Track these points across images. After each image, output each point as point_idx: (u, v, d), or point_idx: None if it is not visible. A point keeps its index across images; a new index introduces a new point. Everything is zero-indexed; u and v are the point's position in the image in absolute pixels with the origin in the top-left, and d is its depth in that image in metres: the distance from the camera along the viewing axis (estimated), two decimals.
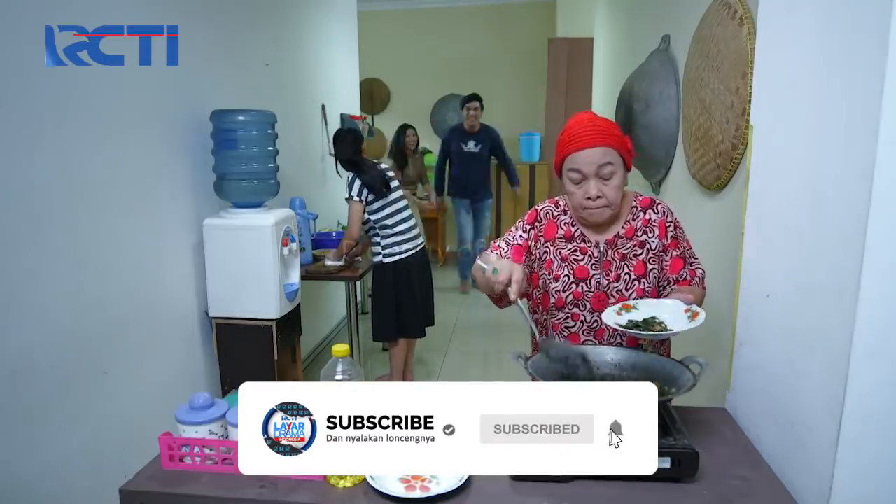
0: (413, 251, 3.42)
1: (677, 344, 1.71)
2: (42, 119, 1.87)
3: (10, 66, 1.76)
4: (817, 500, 1.04)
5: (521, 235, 1.59)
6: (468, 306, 5.25)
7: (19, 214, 1.79)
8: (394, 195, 3.35)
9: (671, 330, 1.33)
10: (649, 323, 1.36)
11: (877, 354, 0.95)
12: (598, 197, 1.46)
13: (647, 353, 1.38)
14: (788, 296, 1.18)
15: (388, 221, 3.35)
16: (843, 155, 1.00)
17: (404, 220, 3.39)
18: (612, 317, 1.40)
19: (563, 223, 1.57)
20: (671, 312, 1.38)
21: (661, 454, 1.11)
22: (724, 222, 1.99)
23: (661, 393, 1.22)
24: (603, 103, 4.51)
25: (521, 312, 1.36)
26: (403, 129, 5.59)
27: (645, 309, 1.42)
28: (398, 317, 3.45)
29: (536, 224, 1.59)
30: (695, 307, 1.36)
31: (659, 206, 1.56)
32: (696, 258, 1.59)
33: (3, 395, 1.74)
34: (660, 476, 1.12)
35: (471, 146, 5.52)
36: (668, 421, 1.21)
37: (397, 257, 3.37)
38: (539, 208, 1.61)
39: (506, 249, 1.57)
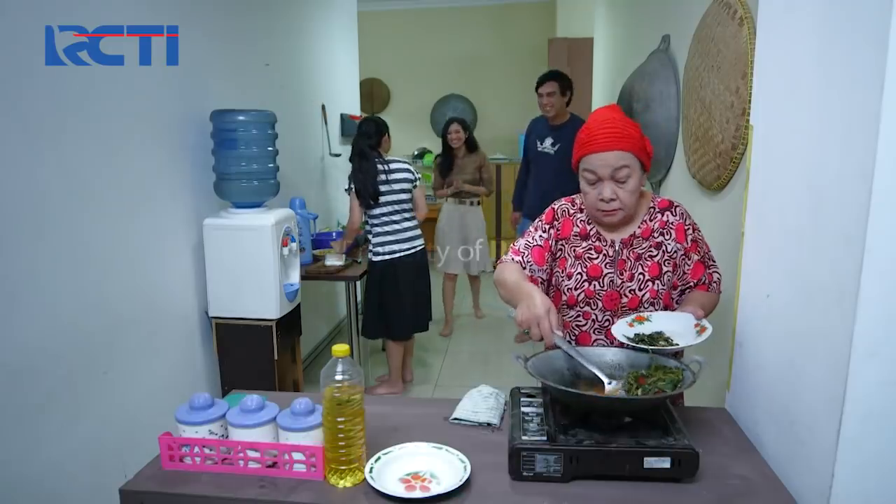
0: (403, 253, 3.37)
1: None
2: (42, 119, 1.87)
3: (10, 66, 1.76)
4: (817, 500, 1.04)
5: (540, 235, 1.57)
6: (468, 307, 5.24)
7: (20, 214, 1.79)
8: (388, 198, 3.32)
9: (676, 345, 1.33)
10: (654, 338, 1.36)
11: (877, 354, 0.95)
12: (612, 199, 1.45)
13: (648, 354, 1.38)
14: (788, 296, 1.18)
15: (377, 220, 3.35)
16: (843, 155, 1.00)
17: (395, 221, 3.36)
18: (622, 328, 1.41)
19: (578, 221, 1.56)
20: (681, 326, 1.39)
21: (661, 454, 1.11)
22: (724, 222, 1.99)
23: (673, 386, 1.23)
24: (603, 103, 4.50)
25: (563, 349, 1.33)
26: (447, 124, 4.46)
27: (657, 321, 1.42)
28: (381, 315, 3.43)
29: (555, 223, 1.58)
30: (704, 322, 1.37)
31: (677, 209, 1.54)
32: (714, 261, 1.57)
33: (3, 395, 1.74)
34: (660, 476, 1.12)
35: (546, 145, 3.91)
36: (668, 421, 1.21)
37: (383, 257, 3.35)
38: (556, 207, 1.60)
39: (526, 254, 1.56)
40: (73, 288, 2.00)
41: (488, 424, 1.37)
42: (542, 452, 1.13)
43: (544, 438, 1.16)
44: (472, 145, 4.49)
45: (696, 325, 1.37)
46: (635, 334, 1.39)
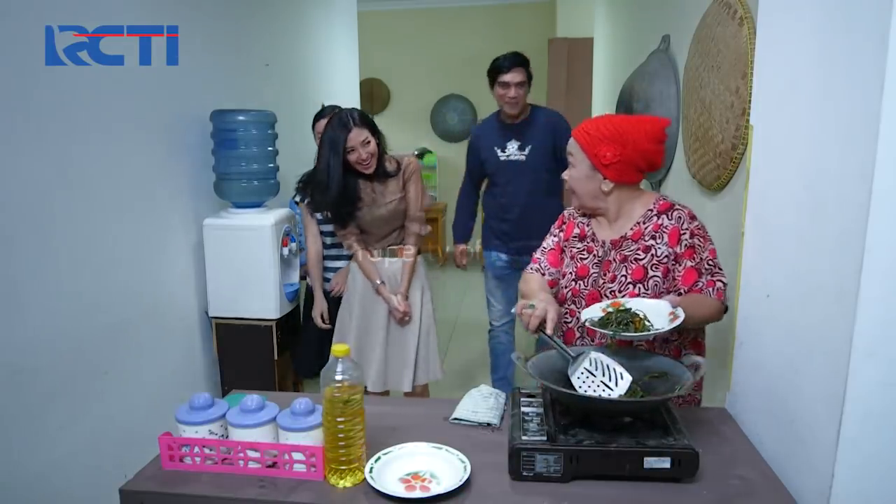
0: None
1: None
2: (42, 119, 1.87)
3: (10, 67, 1.76)
4: (818, 500, 1.04)
5: (552, 240, 1.67)
6: (468, 307, 5.24)
7: (19, 214, 1.79)
8: None
9: (649, 328, 1.29)
10: (624, 320, 1.33)
11: (876, 354, 0.95)
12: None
13: (648, 354, 1.38)
14: (788, 296, 1.18)
15: None
16: (843, 155, 1.00)
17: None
18: (592, 312, 1.39)
19: (579, 223, 1.63)
20: (655, 313, 1.34)
21: (661, 454, 1.11)
22: (724, 222, 1.98)
23: (669, 389, 1.23)
24: (603, 103, 4.51)
25: (554, 344, 1.34)
26: (339, 122, 2.31)
27: (632, 308, 1.37)
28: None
29: (563, 225, 1.67)
30: (678, 310, 1.30)
31: (674, 213, 1.49)
32: (720, 269, 1.46)
33: (3, 395, 1.74)
34: (660, 476, 1.12)
35: (512, 150, 2.95)
36: (669, 421, 1.21)
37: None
38: (565, 212, 1.70)
39: (542, 260, 1.64)
40: (74, 288, 2.00)
41: (488, 424, 1.37)
42: (542, 452, 1.13)
43: (544, 438, 1.16)
44: (382, 169, 2.39)
45: (671, 314, 1.31)
46: (608, 314, 1.35)
